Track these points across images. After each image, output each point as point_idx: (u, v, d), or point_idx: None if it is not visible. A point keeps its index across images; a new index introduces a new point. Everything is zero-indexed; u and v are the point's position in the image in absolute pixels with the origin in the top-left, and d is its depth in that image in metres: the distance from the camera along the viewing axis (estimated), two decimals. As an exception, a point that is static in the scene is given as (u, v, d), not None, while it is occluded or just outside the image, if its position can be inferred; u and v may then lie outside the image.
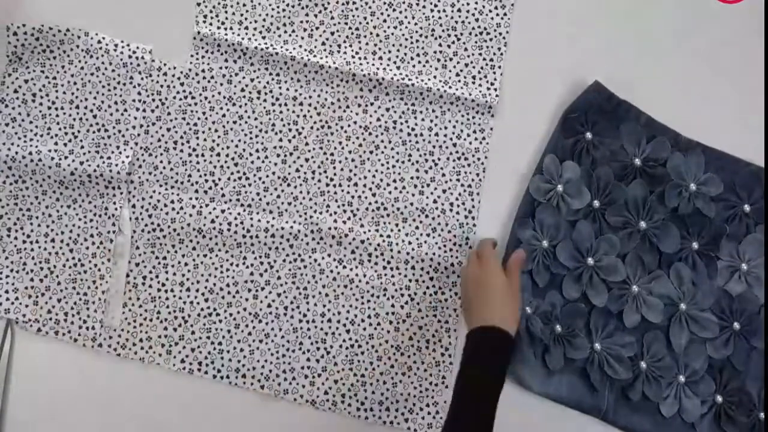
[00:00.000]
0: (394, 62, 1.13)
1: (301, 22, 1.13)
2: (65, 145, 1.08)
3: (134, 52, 1.10)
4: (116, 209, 1.07)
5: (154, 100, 1.10)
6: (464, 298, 1.02)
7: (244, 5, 1.12)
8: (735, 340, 1.07)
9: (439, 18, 1.14)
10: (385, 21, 1.14)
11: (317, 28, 1.13)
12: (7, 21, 1.08)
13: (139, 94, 1.09)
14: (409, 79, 1.11)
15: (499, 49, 1.14)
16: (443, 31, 1.14)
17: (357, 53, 1.13)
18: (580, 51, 1.16)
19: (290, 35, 1.12)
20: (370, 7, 1.14)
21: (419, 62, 1.13)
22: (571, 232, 1.07)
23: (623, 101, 1.11)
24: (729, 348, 1.07)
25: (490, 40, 1.14)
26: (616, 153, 1.10)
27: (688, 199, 1.09)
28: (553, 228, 1.07)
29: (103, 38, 1.10)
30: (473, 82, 1.13)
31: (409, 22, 1.14)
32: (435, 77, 1.13)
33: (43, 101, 1.09)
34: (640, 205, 1.08)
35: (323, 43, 1.13)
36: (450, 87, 1.12)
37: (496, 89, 1.13)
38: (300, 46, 1.12)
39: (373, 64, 1.12)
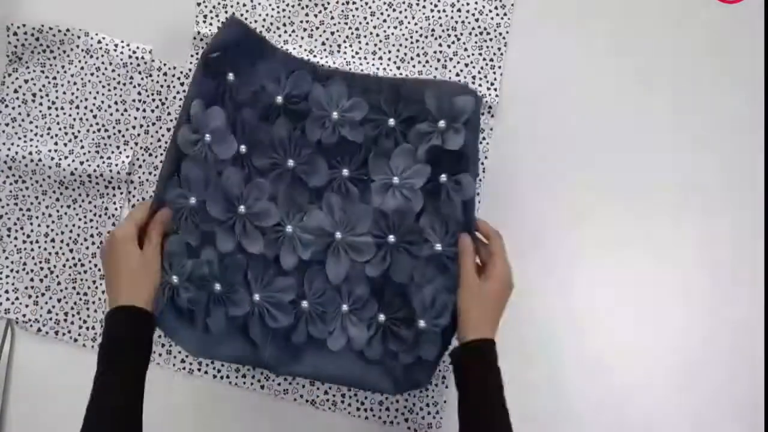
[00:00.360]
0: (394, 62, 1.13)
1: (301, 21, 1.13)
2: (65, 145, 1.08)
3: (134, 52, 1.10)
4: (116, 209, 1.07)
5: (154, 100, 1.10)
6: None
7: (244, 5, 1.12)
8: (392, 253, 1.02)
9: (439, 18, 1.14)
10: (385, 21, 1.14)
11: (317, 28, 1.13)
12: (7, 21, 1.09)
13: (139, 94, 1.10)
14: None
15: (499, 49, 1.14)
16: (443, 31, 1.14)
17: (357, 53, 1.13)
18: (579, 51, 1.16)
19: (290, 35, 1.12)
20: (370, 7, 1.14)
21: (419, 62, 1.13)
22: (220, 183, 1.00)
23: (261, 37, 1.04)
24: (386, 262, 1.02)
25: (490, 40, 1.14)
26: (258, 94, 1.03)
27: (333, 129, 1.03)
28: (201, 182, 0.98)
29: (103, 38, 1.10)
30: (473, 83, 1.13)
31: (409, 22, 1.14)
32: (435, 77, 1.13)
33: (43, 101, 1.09)
34: (287, 143, 1.03)
35: (323, 43, 1.13)
36: None
37: (496, 89, 1.13)
38: (300, 46, 1.12)
39: (372, 64, 1.12)
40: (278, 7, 1.12)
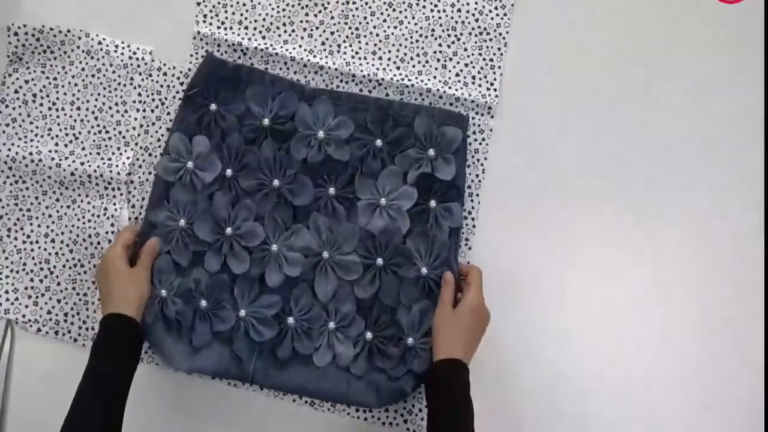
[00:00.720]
0: (394, 62, 1.13)
1: (301, 21, 1.12)
2: (66, 146, 1.08)
3: (134, 53, 1.10)
4: (116, 210, 1.07)
5: (153, 100, 1.10)
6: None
7: (243, 5, 1.12)
8: (381, 275, 1.05)
9: (439, 18, 1.14)
10: (385, 21, 1.13)
11: (317, 28, 1.13)
12: (8, 21, 1.09)
13: (140, 95, 1.10)
14: (409, 80, 1.11)
15: (499, 49, 1.14)
16: (443, 31, 1.14)
17: (357, 53, 1.13)
18: (579, 51, 1.16)
19: (290, 35, 1.12)
20: (370, 7, 1.13)
21: (419, 62, 1.13)
22: (209, 206, 1.05)
23: (242, 65, 1.09)
24: (375, 285, 1.05)
25: (490, 40, 1.14)
26: (243, 117, 1.07)
27: (319, 147, 1.06)
28: (189, 205, 1.05)
29: (104, 39, 1.10)
30: (473, 83, 1.13)
31: (409, 22, 1.14)
32: (435, 77, 1.12)
33: (44, 102, 1.09)
34: (273, 163, 1.06)
35: (323, 43, 1.12)
36: (450, 87, 1.12)
37: (495, 89, 1.13)
38: (300, 46, 1.12)
39: (372, 64, 1.12)
40: (278, 6, 1.12)
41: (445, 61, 1.13)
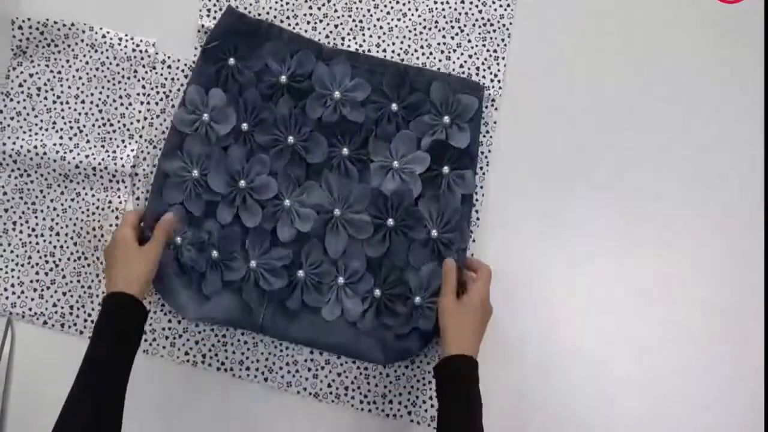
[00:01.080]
0: (398, 54, 1.13)
1: (305, 14, 1.13)
2: (70, 139, 1.08)
3: (138, 46, 1.10)
4: (120, 203, 1.07)
5: (158, 92, 1.10)
6: None
7: None
8: (391, 236, 1.06)
9: (443, 10, 1.14)
10: (388, 13, 1.13)
11: (321, 21, 1.13)
12: (12, 15, 1.09)
13: (143, 87, 1.10)
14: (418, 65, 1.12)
15: (503, 40, 1.14)
16: (447, 22, 1.14)
17: (361, 45, 1.13)
18: (581, 44, 1.16)
19: (294, 28, 1.12)
20: (373, 0, 1.14)
21: (423, 54, 1.13)
22: (224, 158, 1.06)
23: (262, 21, 1.11)
24: (385, 245, 1.06)
25: (494, 31, 1.14)
26: (262, 73, 1.08)
27: (334, 108, 1.07)
28: (203, 157, 1.06)
29: (108, 32, 1.10)
30: (477, 74, 1.13)
31: (412, 14, 1.14)
32: (438, 69, 1.12)
33: (48, 95, 1.09)
34: (288, 120, 1.07)
35: (327, 36, 1.12)
36: None
37: (500, 81, 1.13)
38: None
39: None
40: (282, 0, 1.13)
41: (449, 52, 1.13)
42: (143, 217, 1.04)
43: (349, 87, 1.08)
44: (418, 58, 1.13)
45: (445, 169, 1.07)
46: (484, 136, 1.12)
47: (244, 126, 1.07)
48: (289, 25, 1.12)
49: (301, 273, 1.05)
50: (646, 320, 1.11)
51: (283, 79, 1.07)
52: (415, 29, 1.13)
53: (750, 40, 1.18)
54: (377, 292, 1.06)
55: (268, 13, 1.12)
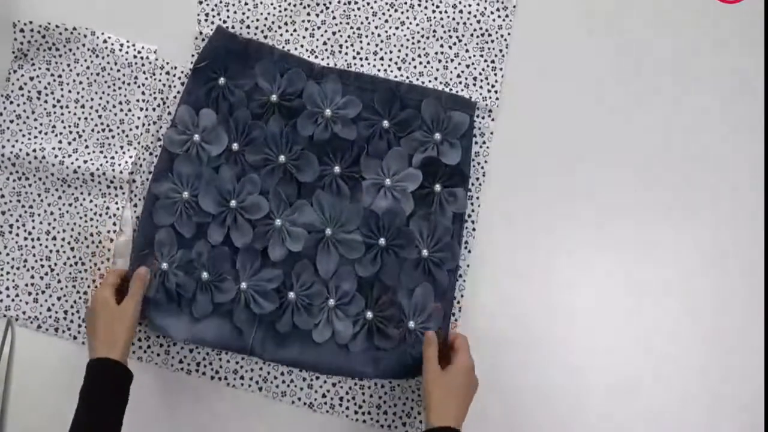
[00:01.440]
0: (395, 63, 1.13)
1: (303, 21, 1.13)
2: (69, 143, 1.08)
3: (139, 52, 1.10)
4: (118, 209, 1.07)
5: (155, 99, 1.10)
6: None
7: (245, 4, 1.12)
8: (383, 255, 1.06)
9: (441, 19, 1.14)
10: (386, 21, 1.13)
11: (319, 28, 1.13)
12: (14, 18, 1.09)
13: (143, 93, 1.10)
14: (410, 81, 1.11)
15: (501, 51, 1.14)
16: (445, 32, 1.14)
17: (358, 53, 1.13)
18: (580, 52, 1.16)
19: (291, 35, 1.12)
20: (371, 8, 1.14)
21: (420, 63, 1.13)
22: (215, 178, 1.06)
23: (251, 40, 1.11)
24: (376, 264, 1.05)
25: (492, 42, 1.14)
26: (252, 93, 1.08)
27: (326, 125, 1.07)
28: (193, 177, 1.06)
29: (109, 38, 1.11)
30: (474, 84, 1.13)
31: (410, 23, 1.14)
32: (436, 78, 1.12)
33: (48, 99, 1.10)
34: (279, 139, 1.07)
35: (324, 43, 1.13)
36: (451, 89, 1.12)
37: (497, 91, 1.13)
38: (302, 46, 1.12)
39: (374, 65, 1.12)
40: (280, 6, 1.12)
41: (447, 62, 1.13)
42: (125, 273, 1.04)
43: (340, 104, 1.08)
44: (415, 67, 1.13)
45: (437, 187, 1.07)
46: (480, 147, 1.12)
47: (235, 146, 1.07)
48: (287, 31, 1.13)
49: (291, 294, 1.04)
50: (646, 319, 1.11)
51: (274, 98, 1.07)
52: (413, 38, 1.13)
53: (750, 40, 1.18)
54: (369, 315, 1.05)
55: (266, 19, 1.12)
